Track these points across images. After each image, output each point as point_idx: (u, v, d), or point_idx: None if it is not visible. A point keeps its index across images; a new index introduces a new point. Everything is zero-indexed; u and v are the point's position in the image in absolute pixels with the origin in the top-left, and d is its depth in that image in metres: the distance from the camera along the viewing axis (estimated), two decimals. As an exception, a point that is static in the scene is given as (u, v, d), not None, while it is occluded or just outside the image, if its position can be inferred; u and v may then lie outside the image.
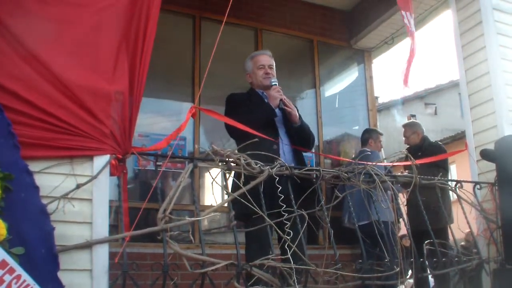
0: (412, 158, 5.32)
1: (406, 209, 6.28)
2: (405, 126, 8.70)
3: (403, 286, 5.00)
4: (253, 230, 4.39)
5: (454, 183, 5.57)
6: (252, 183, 4.33)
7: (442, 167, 7.77)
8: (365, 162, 5.15)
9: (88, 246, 3.57)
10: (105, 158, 3.75)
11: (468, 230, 5.67)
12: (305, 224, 4.40)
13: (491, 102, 6.06)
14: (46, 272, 3.23)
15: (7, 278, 2.98)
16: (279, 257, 4.23)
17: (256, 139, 4.52)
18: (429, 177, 5.45)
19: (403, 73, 6.20)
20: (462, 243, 10.98)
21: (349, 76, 10.24)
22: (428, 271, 5.20)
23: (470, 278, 5.22)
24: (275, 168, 4.41)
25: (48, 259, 3.27)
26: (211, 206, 4.22)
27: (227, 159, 4.27)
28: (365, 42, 9.86)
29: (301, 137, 5.34)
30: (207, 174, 7.90)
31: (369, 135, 8.19)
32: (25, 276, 3.05)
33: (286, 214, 4.34)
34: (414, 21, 6.39)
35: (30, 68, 3.60)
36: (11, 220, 3.13)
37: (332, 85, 10.00)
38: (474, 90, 6.31)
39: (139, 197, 7.33)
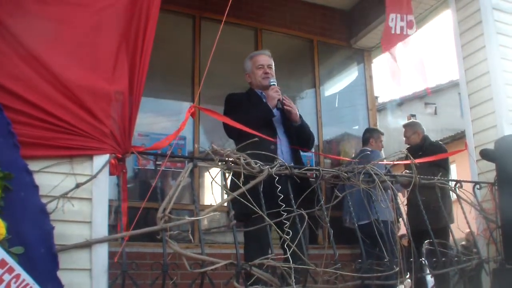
0: (411, 157, 5.32)
1: (406, 208, 6.29)
2: (405, 126, 8.69)
3: (403, 286, 5.01)
4: (252, 230, 4.39)
5: (453, 183, 5.57)
6: (252, 183, 4.33)
7: (442, 167, 7.76)
8: (367, 161, 5.16)
9: (87, 245, 3.58)
10: (105, 157, 3.76)
11: (468, 230, 5.68)
12: (305, 224, 4.40)
13: (490, 101, 6.06)
14: (45, 271, 3.23)
15: (6, 277, 2.98)
16: (280, 256, 4.22)
17: (254, 139, 4.52)
18: (428, 176, 5.46)
19: (397, 75, 6.23)
20: (463, 242, 10.98)
21: (349, 76, 10.24)
22: (428, 271, 5.20)
23: (470, 278, 5.22)
24: (274, 168, 4.41)
25: (47, 258, 3.27)
26: (211, 205, 4.21)
27: (226, 159, 4.27)
28: (365, 42, 9.85)
29: (301, 137, 5.34)
30: (206, 174, 7.90)
31: (370, 135, 8.18)
32: (24, 275, 3.05)
33: (286, 214, 4.34)
34: (407, 23, 6.39)
35: (30, 68, 3.60)
36: (10, 220, 3.14)
37: (332, 85, 9.99)
38: (474, 89, 6.31)
39: (139, 196, 7.33)
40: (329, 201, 4.75)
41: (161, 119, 8.17)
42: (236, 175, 4.45)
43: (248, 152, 4.40)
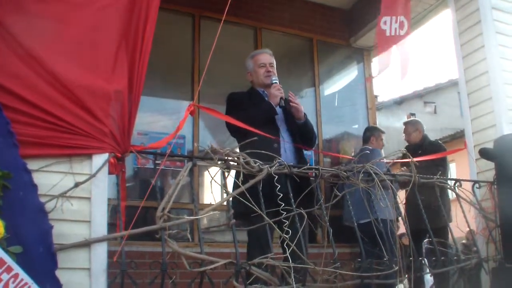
0: (410, 156, 5.33)
1: (405, 207, 6.29)
2: (407, 123, 8.69)
3: (402, 285, 5.01)
4: (254, 229, 4.39)
5: (453, 182, 5.57)
6: (251, 182, 4.33)
7: (441, 166, 7.77)
8: (367, 160, 5.17)
9: (86, 244, 3.57)
10: (104, 156, 3.75)
11: (468, 228, 5.68)
12: (304, 223, 4.41)
13: (490, 101, 6.06)
14: (44, 271, 3.23)
15: (5, 277, 2.98)
16: (279, 256, 4.22)
17: (255, 138, 4.53)
18: (427, 176, 5.46)
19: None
20: (463, 241, 10.99)
21: (349, 75, 10.24)
22: (427, 270, 5.20)
23: (469, 277, 5.22)
24: (274, 167, 4.41)
25: (46, 257, 3.27)
26: (210, 204, 4.20)
27: (226, 158, 4.27)
28: (364, 41, 9.84)
29: (304, 135, 5.35)
30: (206, 173, 7.91)
31: (371, 133, 8.16)
32: (22, 275, 3.05)
33: (285, 213, 4.34)
34: (399, 24, 6.39)
35: (29, 67, 3.60)
36: (9, 219, 3.14)
37: (332, 84, 9.99)
38: (473, 89, 6.31)
39: (138, 195, 7.33)
40: (330, 200, 4.75)
41: (161, 118, 8.17)
42: (238, 174, 4.46)
43: (250, 151, 4.41)
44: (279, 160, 4.50)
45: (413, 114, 27.33)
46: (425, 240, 7.39)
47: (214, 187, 4.25)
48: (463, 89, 6.47)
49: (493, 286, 5.24)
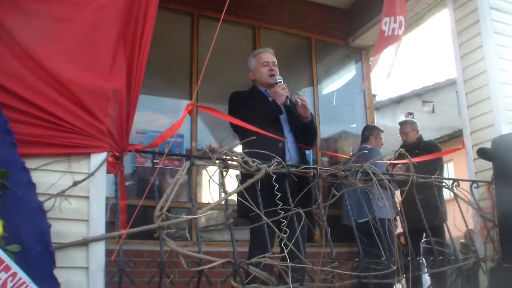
0: (408, 156, 5.33)
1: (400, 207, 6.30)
2: (404, 123, 8.68)
3: (400, 284, 5.01)
4: (255, 229, 4.39)
5: (451, 181, 5.58)
6: (249, 181, 4.34)
7: (438, 165, 7.79)
8: (365, 160, 5.17)
9: (84, 243, 3.58)
10: (102, 155, 3.76)
11: (467, 228, 5.69)
12: (302, 223, 4.41)
13: (488, 100, 6.06)
14: (42, 269, 3.23)
15: (3, 275, 2.98)
16: (277, 255, 4.22)
17: (254, 137, 4.53)
18: (425, 175, 5.46)
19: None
20: (462, 240, 10.99)
21: (347, 74, 10.23)
22: (424, 270, 5.21)
23: (467, 276, 5.22)
24: (272, 166, 4.41)
25: (44, 256, 3.27)
26: (208, 203, 4.21)
27: (224, 157, 4.27)
28: (362, 40, 9.84)
29: (308, 134, 5.37)
30: (204, 172, 7.91)
31: (370, 132, 8.14)
32: (21, 273, 3.05)
33: (284, 213, 4.35)
34: (398, 24, 6.39)
35: (27, 66, 3.61)
36: (7, 217, 3.14)
37: (330, 83, 9.99)
38: (471, 88, 6.31)
39: (136, 194, 7.33)
40: (328, 200, 4.76)
41: (159, 117, 8.16)
42: (245, 174, 4.47)
43: (257, 150, 4.42)
44: (277, 160, 4.50)
45: (411, 114, 27.35)
46: (423, 240, 7.40)
47: (212, 186, 4.25)
48: (461, 89, 6.47)
49: (491, 286, 5.24)
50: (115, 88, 3.84)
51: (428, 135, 8.60)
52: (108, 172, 3.80)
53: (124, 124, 3.86)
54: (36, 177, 3.43)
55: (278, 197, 4.36)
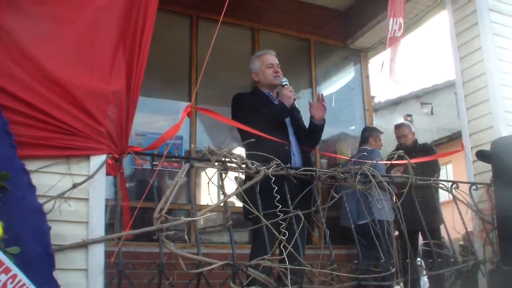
0: (408, 158, 5.33)
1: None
2: (403, 125, 8.66)
3: (398, 286, 5.02)
4: (260, 232, 4.39)
5: (450, 183, 5.58)
6: (249, 183, 4.34)
7: (436, 167, 7.81)
8: (365, 161, 5.18)
9: (84, 245, 3.58)
10: (102, 157, 3.76)
11: (466, 230, 5.69)
12: (301, 225, 4.41)
13: (487, 102, 6.06)
14: (41, 271, 3.23)
15: (3, 277, 2.98)
16: (276, 257, 4.22)
17: (253, 140, 4.54)
18: (424, 177, 5.47)
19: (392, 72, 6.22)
20: (461, 242, 11.00)
21: (346, 76, 10.24)
22: (423, 272, 5.21)
23: (466, 279, 5.23)
24: (271, 169, 4.41)
25: (44, 258, 3.27)
26: (207, 205, 4.21)
27: (223, 159, 4.28)
28: (361, 42, 9.86)
29: (315, 137, 5.41)
30: (203, 173, 7.90)
31: (370, 134, 8.11)
32: (20, 275, 3.05)
33: (282, 215, 4.35)
34: (398, 26, 6.39)
35: (27, 68, 3.60)
36: (7, 219, 3.13)
37: (329, 85, 9.99)
38: (470, 90, 6.31)
39: (135, 196, 7.32)
40: (327, 201, 4.77)
41: (158, 119, 8.16)
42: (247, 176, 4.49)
43: (263, 153, 4.43)
44: (276, 162, 4.50)
45: (409, 115, 27.35)
46: (422, 242, 7.40)
47: (212, 188, 4.25)
48: (460, 91, 6.47)
49: (490, 288, 5.26)
50: (115, 90, 3.84)
51: (426, 137, 8.63)
52: (107, 174, 3.80)
53: (123, 126, 3.86)
54: (36, 179, 3.42)
55: (281, 200, 4.37)
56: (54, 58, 3.71)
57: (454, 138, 21.08)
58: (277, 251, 4.37)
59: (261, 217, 4.24)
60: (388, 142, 8.39)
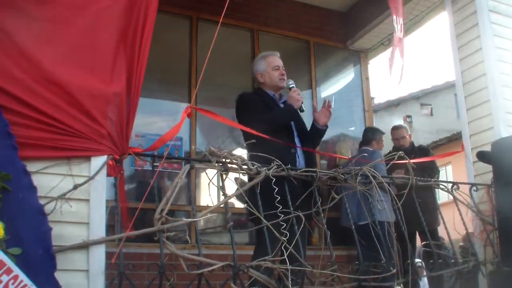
0: (408, 158, 5.33)
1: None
2: (401, 127, 8.63)
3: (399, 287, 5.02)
4: (262, 233, 4.38)
5: (450, 184, 5.58)
6: (249, 184, 4.35)
7: (435, 169, 7.82)
8: (366, 161, 5.18)
9: (85, 246, 3.58)
10: (103, 158, 3.76)
11: (466, 231, 5.69)
12: (302, 226, 4.41)
13: (487, 103, 6.07)
14: (43, 272, 3.23)
15: (4, 278, 2.98)
16: (277, 258, 4.21)
17: (254, 140, 4.54)
18: (425, 178, 5.47)
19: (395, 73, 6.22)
20: (461, 243, 10.99)
21: (345, 77, 10.23)
22: (423, 273, 5.21)
23: (467, 280, 5.22)
24: (271, 170, 4.41)
25: (45, 259, 3.27)
26: (207, 206, 4.22)
27: (224, 160, 4.27)
28: (361, 43, 9.85)
29: (317, 140, 5.42)
30: (203, 174, 7.90)
31: (373, 135, 8.04)
32: (22, 276, 3.05)
33: (286, 216, 4.35)
34: (402, 26, 6.39)
35: (27, 70, 3.61)
36: (8, 220, 3.14)
37: (329, 86, 9.98)
38: (470, 91, 6.32)
39: (135, 197, 7.32)
40: (328, 203, 4.77)
41: (158, 120, 8.15)
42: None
43: (269, 156, 4.45)
44: (277, 163, 4.49)
45: (409, 117, 27.35)
46: (421, 243, 7.39)
47: (212, 189, 4.26)
48: (460, 92, 6.47)
49: (490, 289, 5.26)
50: (115, 91, 3.85)
51: (426, 138, 8.61)
52: (108, 175, 3.80)
53: (124, 127, 3.87)
54: (37, 180, 3.43)
55: (285, 201, 4.38)
56: (54, 59, 3.72)
57: (454, 139, 21.10)
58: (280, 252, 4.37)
59: (263, 219, 4.24)
60: (387, 143, 8.36)
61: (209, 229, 8.01)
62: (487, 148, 5.69)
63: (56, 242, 3.38)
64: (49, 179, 3.56)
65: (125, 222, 3.91)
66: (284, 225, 4.30)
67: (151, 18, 4.11)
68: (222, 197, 4.34)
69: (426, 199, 5.58)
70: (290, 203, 4.43)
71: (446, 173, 22.58)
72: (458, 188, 5.51)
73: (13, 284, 3.00)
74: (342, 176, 4.82)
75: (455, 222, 5.33)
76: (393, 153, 5.40)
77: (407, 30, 8.70)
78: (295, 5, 9.36)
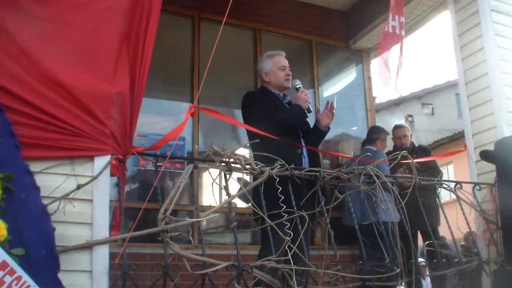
0: (411, 158, 5.32)
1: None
2: (402, 126, 8.61)
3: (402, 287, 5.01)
4: (268, 233, 4.37)
5: (453, 184, 5.57)
6: (252, 184, 4.34)
7: (437, 168, 7.81)
8: (370, 161, 5.18)
9: (88, 247, 3.58)
10: (106, 158, 3.76)
11: (467, 230, 5.68)
12: (306, 225, 4.40)
13: (490, 103, 6.07)
14: (46, 273, 3.22)
15: (8, 279, 2.98)
16: (281, 258, 4.20)
17: (256, 140, 4.54)
18: (428, 178, 5.47)
19: (389, 77, 6.21)
20: (462, 242, 11.00)
21: (348, 77, 10.21)
22: (426, 272, 5.20)
23: (470, 279, 5.22)
24: (275, 169, 4.41)
25: (48, 260, 3.27)
26: (210, 206, 4.21)
27: (227, 160, 4.27)
28: (363, 43, 9.83)
29: (318, 141, 5.41)
30: (205, 174, 7.89)
31: (378, 136, 8.02)
32: (25, 277, 3.05)
33: (286, 216, 4.35)
34: (399, 24, 6.38)
35: (30, 70, 3.60)
36: (11, 221, 3.13)
37: (331, 86, 9.97)
38: (473, 91, 6.32)
39: (138, 197, 7.32)
40: (332, 202, 4.76)
41: (160, 120, 8.15)
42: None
43: (276, 157, 4.46)
44: (280, 163, 4.49)
45: (410, 116, 27.34)
46: (425, 243, 7.38)
47: (215, 189, 4.25)
48: (462, 91, 6.48)
49: (494, 289, 5.25)
50: (118, 91, 3.85)
51: (427, 138, 8.59)
52: (111, 175, 3.80)
53: (127, 126, 3.87)
54: (40, 180, 3.43)
55: (290, 201, 4.38)
56: (57, 59, 3.72)
57: (455, 139, 21.15)
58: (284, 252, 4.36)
59: (267, 220, 4.24)
60: (388, 143, 8.35)
61: (211, 229, 8.01)
62: (490, 147, 5.69)
63: (59, 242, 3.38)
64: (52, 179, 3.56)
65: (118, 221, 3.92)
66: (288, 224, 4.29)
67: (154, 18, 4.11)
68: (225, 197, 4.34)
69: (427, 198, 5.57)
70: (294, 203, 4.42)
71: (448, 172, 22.57)
72: (461, 187, 5.51)
73: (16, 285, 3.00)
74: (346, 175, 4.81)
75: (458, 222, 5.32)
76: (396, 153, 5.37)
77: (409, 30, 8.70)
78: (297, 4, 9.35)
